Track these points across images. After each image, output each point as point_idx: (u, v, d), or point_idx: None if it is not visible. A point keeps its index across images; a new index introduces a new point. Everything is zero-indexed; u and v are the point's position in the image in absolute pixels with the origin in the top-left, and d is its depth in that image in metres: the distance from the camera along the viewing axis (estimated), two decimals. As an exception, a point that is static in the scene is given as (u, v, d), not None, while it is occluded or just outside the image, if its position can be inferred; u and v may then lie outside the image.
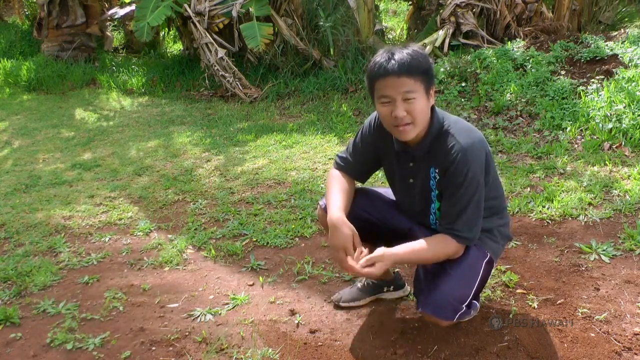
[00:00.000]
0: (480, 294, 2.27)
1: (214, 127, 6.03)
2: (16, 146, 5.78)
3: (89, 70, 8.82)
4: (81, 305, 2.64)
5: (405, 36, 9.51)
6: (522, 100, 5.31)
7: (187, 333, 2.38)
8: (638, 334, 2.19)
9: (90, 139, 5.90)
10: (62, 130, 6.34)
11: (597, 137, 4.50)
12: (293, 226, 3.37)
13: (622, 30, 7.10)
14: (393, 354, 2.17)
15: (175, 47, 10.47)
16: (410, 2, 10.03)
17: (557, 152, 4.35)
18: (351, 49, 7.16)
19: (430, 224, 2.18)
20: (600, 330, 2.23)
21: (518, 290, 2.56)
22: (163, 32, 10.23)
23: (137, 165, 4.86)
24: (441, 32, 7.19)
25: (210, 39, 7.28)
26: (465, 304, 2.04)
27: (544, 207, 3.40)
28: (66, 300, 2.69)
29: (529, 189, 3.73)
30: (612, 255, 2.80)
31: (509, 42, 6.61)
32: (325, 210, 2.30)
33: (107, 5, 10.14)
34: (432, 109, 2.04)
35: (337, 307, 2.51)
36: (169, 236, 3.38)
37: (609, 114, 4.66)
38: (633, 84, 4.92)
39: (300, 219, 3.51)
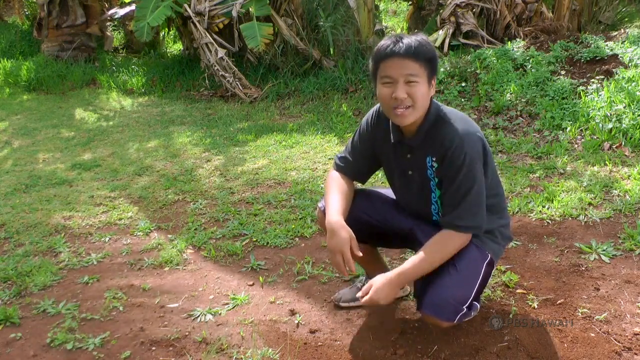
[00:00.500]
0: (480, 295, 2.27)
1: (214, 127, 6.03)
2: (16, 146, 5.78)
3: (89, 70, 8.82)
4: (81, 305, 2.64)
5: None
6: (522, 100, 5.32)
7: (187, 333, 2.38)
8: (638, 334, 2.19)
9: (90, 139, 5.90)
10: (62, 130, 6.34)
11: (597, 137, 4.50)
12: (293, 226, 3.37)
13: (622, 30, 7.10)
14: (393, 354, 2.17)
15: (175, 47, 10.47)
16: (410, 2, 10.03)
17: (557, 152, 4.35)
18: (351, 49, 7.16)
19: (432, 216, 2.17)
20: (600, 330, 2.23)
21: (518, 290, 2.55)
22: (163, 32, 10.23)
23: (137, 165, 4.86)
24: (441, 32, 7.20)
25: (210, 39, 7.28)
26: (466, 305, 2.04)
27: (544, 207, 3.40)
28: (66, 300, 2.69)
29: (529, 189, 3.73)
30: (612, 255, 2.80)
31: (509, 42, 6.61)
32: (324, 212, 2.30)
33: (107, 5, 10.14)
34: (430, 100, 2.05)
35: (337, 307, 2.51)
36: (169, 236, 3.38)
37: (609, 114, 4.66)
38: (633, 84, 4.92)
39: (300, 219, 3.51)
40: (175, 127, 6.18)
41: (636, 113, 4.55)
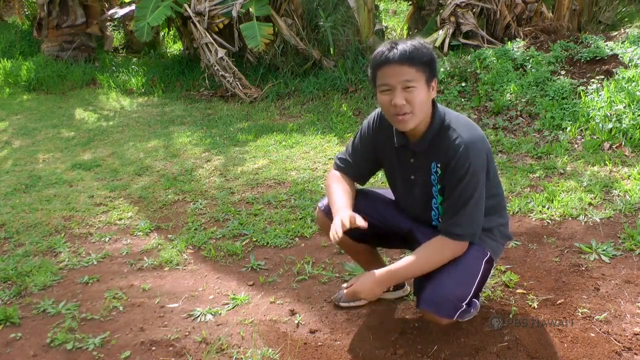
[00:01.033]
0: (480, 293, 2.27)
1: (214, 127, 6.03)
2: (16, 146, 5.78)
3: (89, 70, 8.81)
4: (81, 305, 2.64)
5: (405, 36, 9.51)
6: (522, 100, 5.32)
7: (187, 333, 2.38)
8: (638, 334, 2.19)
9: (90, 139, 5.90)
10: (62, 130, 6.34)
11: (597, 137, 4.50)
12: (293, 226, 3.37)
13: (622, 30, 7.10)
14: (393, 354, 2.17)
15: (175, 47, 10.47)
16: (410, 2, 10.03)
17: (557, 152, 4.35)
18: (351, 49, 7.16)
19: (432, 221, 2.18)
20: (600, 330, 2.23)
21: (518, 290, 2.55)
22: (163, 32, 10.23)
23: (137, 165, 4.86)
24: (441, 32, 7.20)
25: (210, 39, 7.28)
26: (466, 302, 2.04)
27: (544, 207, 3.39)
28: (66, 300, 2.69)
29: (529, 189, 3.73)
30: (612, 255, 2.80)
31: (509, 42, 6.61)
32: (324, 212, 2.30)
33: (107, 5, 10.14)
34: (434, 104, 2.05)
35: (337, 307, 2.51)
36: (169, 236, 3.38)
37: (609, 114, 4.66)
38: (633, 84, 4.92)
39: (300, 219, 3.51)
40: (175, 127, 6.18)
41: (636, 113, 4.55)
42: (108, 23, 10.02)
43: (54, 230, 3.53)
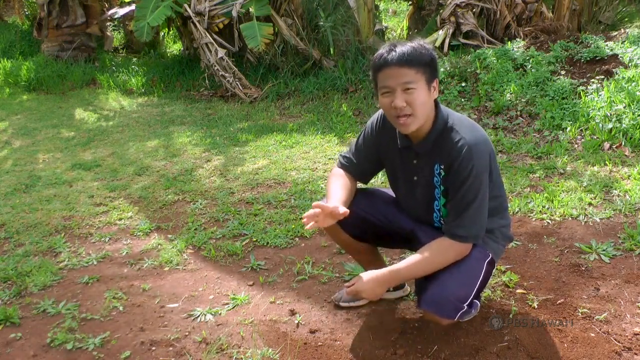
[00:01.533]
0: (481, 294, 2.27)
1: (214, 127, 6.03)
2: (16, 146, 5.78)
3: (89, 70, 8.81)
4: (81, 305, 2.64)
5: (405, 36, 9.50)
6: (522, 100, 5.32)
7: (187, 333, 2.38)
8: (638, 334, 2.19)
9: (90, 139, 5.90)
10: (62, 130, 6.34)
11: (597, 137, 4.51)
12: (293, 226, 3.37)
13: (622, 30, 7.10)
14: (393, 354, 2.17)
15: (175, 47, 10.47)
16: (410, 2, 10.03)
17: (557, 152, 4.35)
18: (351, 49, 7.16)
19: (434, 223, 2.18)
20: (600, 330, 2.23)
21: (518, 290, 2.56)
22: (163, 32, 10.23)
23: (137, 165, 4.86)
24: (441, 32, 7.20)
25: (210, 39, 7.28)
26: (467, 303, 2.04)
27: (544, 207, 3.39)
28: (66, 300, 2.69)
29: (529, 189, 3.73)
30: (612, 255, 2.80)
31: (509, 42, 6.61)
32: None
33: (107, 5, 10.14)
34: (437, 106, 2.05)
35: (337, 307, 2.51)
36: (169, 236, 3.38)
37: (609, 114, 4.66)
38: (633, 84, 4.92)
39: (300, 219, 3.50)
40: (175, 127, 6.18)
41: (636, 113, 4.55)
42: (108, 23, 10.02)
43: (54, 230, 3.53)
